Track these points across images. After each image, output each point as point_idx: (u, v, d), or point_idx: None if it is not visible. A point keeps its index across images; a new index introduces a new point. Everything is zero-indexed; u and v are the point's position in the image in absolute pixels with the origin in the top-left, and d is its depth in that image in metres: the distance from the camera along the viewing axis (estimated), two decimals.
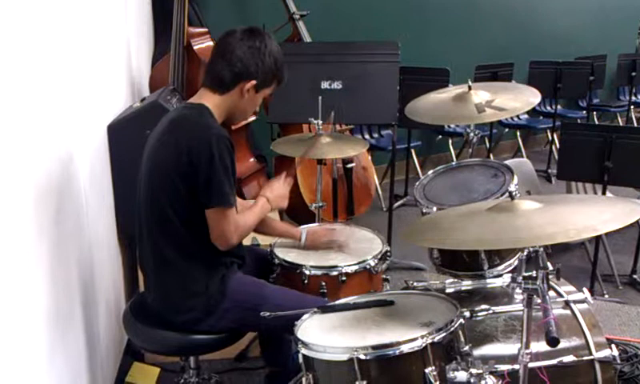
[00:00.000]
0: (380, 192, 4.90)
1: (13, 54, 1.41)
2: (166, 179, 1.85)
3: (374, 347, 1.45)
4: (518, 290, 1.95)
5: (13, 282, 1.36)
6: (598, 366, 1.81)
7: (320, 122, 2.58)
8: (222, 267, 1.94)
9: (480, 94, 2.24)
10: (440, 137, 5.67)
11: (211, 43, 3.63)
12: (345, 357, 1.45)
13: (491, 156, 5.33)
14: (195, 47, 3.47)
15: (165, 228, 1.88)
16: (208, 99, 1.93)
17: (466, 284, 2.08)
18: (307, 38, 4.11)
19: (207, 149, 1.80)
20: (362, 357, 1.43)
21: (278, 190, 2.13)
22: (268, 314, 1.74)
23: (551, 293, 1.90)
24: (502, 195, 2.05)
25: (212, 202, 1.84)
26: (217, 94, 1.93)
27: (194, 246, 1.90)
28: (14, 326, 1.36)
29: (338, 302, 1.78)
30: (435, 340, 1.46)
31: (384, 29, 4.87)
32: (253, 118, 3.07)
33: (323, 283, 2.05)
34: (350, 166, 3.88)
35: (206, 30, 3.69)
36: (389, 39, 3.31)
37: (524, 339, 1.51)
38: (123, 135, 2.59)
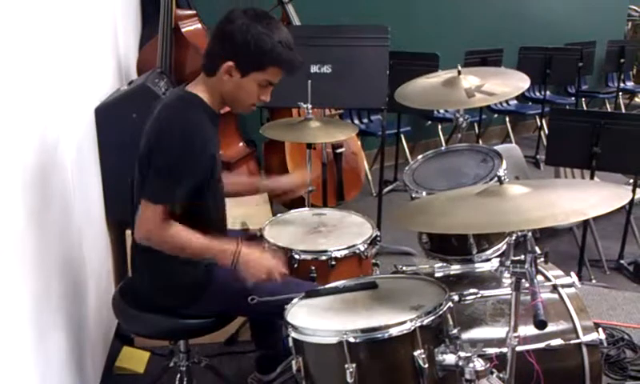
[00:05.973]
0: (370, 177, 4.90)
1: None
2: (146, 166, 1.83)
3: (364, 330, 1.45)
4: (506, 274, 1.97)
5: None
6: (585, 349, 1.83)
7: (309, 105, 2.56)
8: None
9: (469, 79, 2.24)
10: (429, 122, 5.67)
11: (200, 26, 3.59)
12: (334, 340, 1.45)
13: (480, 141, 5.34)
14: (183, 30, 3.44)
15: None
16: (202, 83, 1.90)
17: (455, 268, 2.09)
18: (296, 22, 4.08)
19: (161, 140, 1.78)
20: (352, 340, 1.44)
21: (257, 256, 1.85)
22: (255, 299, 1.74)
23: (539, 277, 1.91)
24: (490, 180, 2.06)
25: (143, 192, 1.79)
26: (207, 76, 1.91)
27: None
28: (1, 311, 1.35)
29: (324, 287, 1.78)
30: (424, 323, 1.47)
31: (374, 13, 4.84)
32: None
33: (313, 268, 2.05)
34: (339, 151, 3.88)
35: (194, 12, 3.65)
36: (378, 23, 3.29)
37: (512, 322, 1.52)
38: (111, 118, 2.57)
